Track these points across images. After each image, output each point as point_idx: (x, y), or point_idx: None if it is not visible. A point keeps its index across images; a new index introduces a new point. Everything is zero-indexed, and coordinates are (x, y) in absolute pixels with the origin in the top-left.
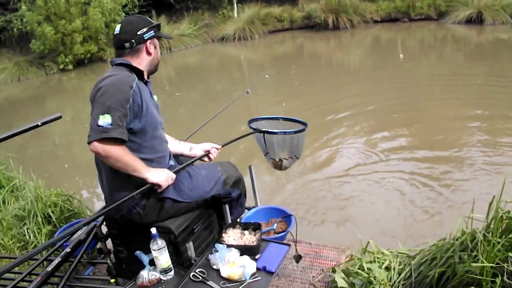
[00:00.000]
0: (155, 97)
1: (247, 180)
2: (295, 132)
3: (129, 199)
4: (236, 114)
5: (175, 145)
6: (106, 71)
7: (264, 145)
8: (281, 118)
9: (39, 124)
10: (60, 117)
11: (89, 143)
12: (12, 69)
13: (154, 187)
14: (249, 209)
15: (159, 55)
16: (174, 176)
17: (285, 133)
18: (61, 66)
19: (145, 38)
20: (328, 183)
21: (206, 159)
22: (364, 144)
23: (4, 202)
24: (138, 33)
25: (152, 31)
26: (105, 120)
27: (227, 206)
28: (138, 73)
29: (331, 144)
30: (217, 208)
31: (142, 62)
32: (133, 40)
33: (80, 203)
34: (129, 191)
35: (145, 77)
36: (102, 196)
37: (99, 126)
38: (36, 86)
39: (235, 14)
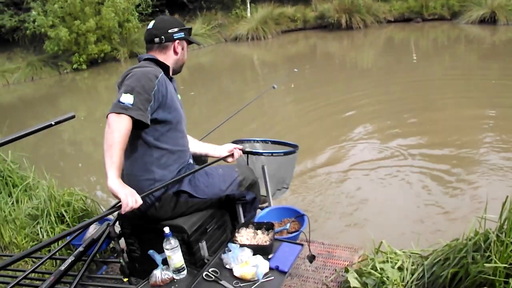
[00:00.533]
0: (178, 95)
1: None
2: (285, 153)
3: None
4: (249, 112)
5: (199, 146)
6: (119, 71)
7: None
8: (270, 141)
9: (53, 123)
10: (73, 117)
11: (107, 116)
12: (26, 69)
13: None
14: (262, 208)
15: (185, 58)
16: (140, 200)
17: (272, 154)
18: (75, 66)
19: (175, 37)
20: (340, 181)
21: (229, 159)
22: (376, 142)
23: (17, 201)
24: (169, 31)
25: (183, 33)
26: (126, 98)
27: (240, 207)
28: (164, 68)
29: (342, 141)
30: (231, 208)
31: (168, 59)
32: (162, 37)
33: (93, 203)
34: (147, 182)
35: (170, 73)
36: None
37: (119, 102)
38: (50, 86)
39: (248, 14)
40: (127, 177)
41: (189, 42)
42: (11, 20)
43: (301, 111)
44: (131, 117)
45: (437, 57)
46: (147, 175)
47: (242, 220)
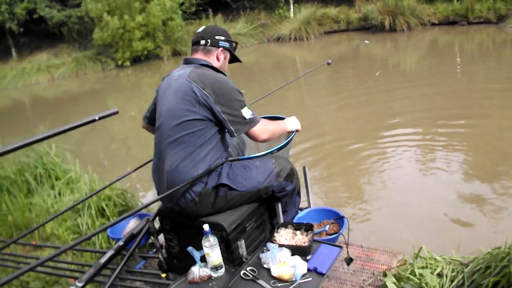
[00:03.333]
0: None
1: (301, 182)
2: (279, 149)
3: (191, 183)
4: (288, 108)
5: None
6: (162, 69)
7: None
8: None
9: (96, 118)
10: (117, 112)
11: (245, 132)
12: (71, 64)
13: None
14: (301, 209)
15: (226, 68)
16: None
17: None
18: (119, 62)
19: (220, 44)
20: (381, 182)
21: None
22: (417, 146)
23: (59, 194)
24: (216, 37)
25: (228, 44)
26: (247, 113)
27: (279, 205)
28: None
29: (382, 145)
30: (270, 207)
31: (212, 64)
32: (208, 40)
33: (133, 198)
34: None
35: None
36: (155, 191)
37: (247, 119)
38: (93, 81)
39: (291, 14)
40: (168, 173)
41: (232, 56)
42: (58, 14)
43: (341, 110)
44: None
45: (482, 62)
46: (192, 172)
47: (281, 219)
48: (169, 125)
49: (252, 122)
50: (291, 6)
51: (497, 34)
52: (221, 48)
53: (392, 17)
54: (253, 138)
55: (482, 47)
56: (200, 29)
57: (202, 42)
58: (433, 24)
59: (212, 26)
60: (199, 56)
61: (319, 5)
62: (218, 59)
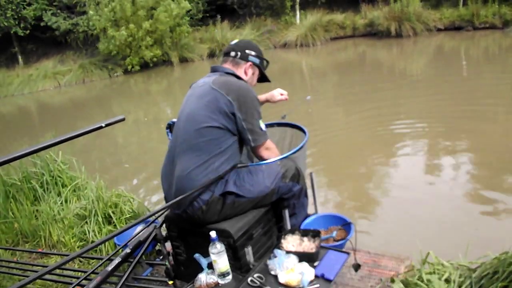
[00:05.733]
0: None
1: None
2: (293, 153)
3: (199, 191)
4: (297, 119)
5: None
6: (169, 75)
7: None
8: (276, 123)
9: (103, 125)
10: (123, 119)
11: (258, 145)
12: (77, 71)
13: None
14: (308, 215)
15: (254, 84)
16: None
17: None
18: (128, 67)
19: (249, 59)
20: (386, 189)
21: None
22: (423, 151)
23: (66, 201)
24: (246, 51)
25: (258, 60)
26: (262, 125)
27: (287, 212)
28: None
29: (388, 150)
30: (277, 213)
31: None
32: (238, 52)
33: (140, 205)
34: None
35: None
36: (163, 198)
37: (263, 130)
38: (100, 88)
39: (298, 21)
40: (178, 179)
41: (261, 76)
42: (64, 23)
43: (347, 115)
44: None
45: (488, 67)
46: (203, 181)
47: (289, 226)
48: (188, 130)
49: (265, 134)
50: (297, 13)
51: (502, 39)
52: (250, 63)
53: (398, 22)
54: (257, 152)
55: (488, 52)
56: (233, 41)
57: (232, 53)
58: (439, 30)
59: (246, 41)
60: (228, 66)
61: (325, 11)
62: (246, 73)
